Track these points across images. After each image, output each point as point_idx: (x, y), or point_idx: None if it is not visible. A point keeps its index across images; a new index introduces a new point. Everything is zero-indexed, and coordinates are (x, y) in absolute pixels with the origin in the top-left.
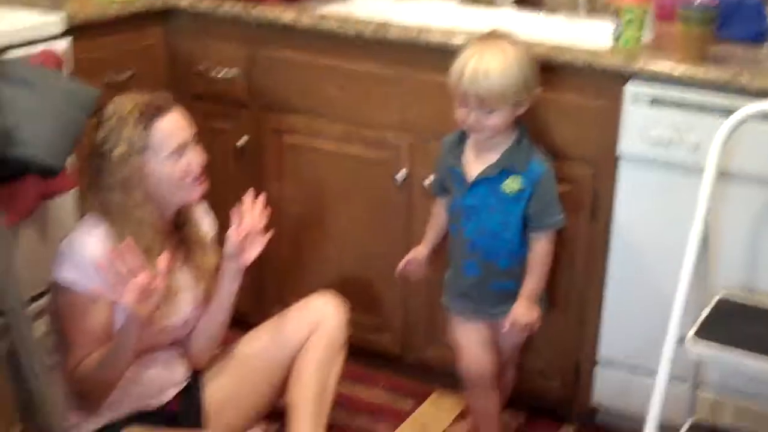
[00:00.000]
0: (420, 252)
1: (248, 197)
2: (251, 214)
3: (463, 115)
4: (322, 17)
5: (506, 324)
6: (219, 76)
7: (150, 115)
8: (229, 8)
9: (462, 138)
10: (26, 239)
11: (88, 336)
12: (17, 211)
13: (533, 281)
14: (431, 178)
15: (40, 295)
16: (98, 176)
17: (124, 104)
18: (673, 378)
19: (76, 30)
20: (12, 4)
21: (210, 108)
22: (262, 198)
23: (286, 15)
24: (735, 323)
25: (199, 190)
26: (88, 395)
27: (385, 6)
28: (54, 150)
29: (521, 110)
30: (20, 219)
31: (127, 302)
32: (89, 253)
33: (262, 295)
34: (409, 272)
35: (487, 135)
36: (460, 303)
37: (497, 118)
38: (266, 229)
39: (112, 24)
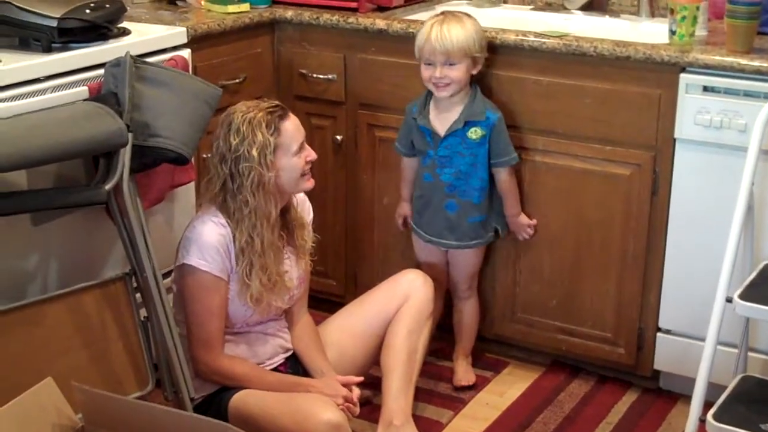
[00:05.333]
0: (405, 208)
1: None
2: None
3: (429, 72)
4: (411, 23)
5: (521, 232)
6: (319, 77)
7: (276, 118)
8: (327, 18)
9: (425, 103)
10: (154, 224)
11: (209, 312)
12: (150, 198)
13: (512, 204)
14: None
15: (165, 274)
16: (230, 181)
17: (249, 113)
18: (726, 344)
19: (195, 40)
20: (143, 21)
21: (311, 107)
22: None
23: (378, 22)
24: None
25: (311, 182)
26: (216, 381)
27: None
28: (186, 140)
29: (476, 69)
30: (151, 205)
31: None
32: (209, 238)
33: (355, 279)
34: (406, 227)
35: (452, 90)
36: (439, 234)
37: (459, 71)
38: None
39: (227, 35)
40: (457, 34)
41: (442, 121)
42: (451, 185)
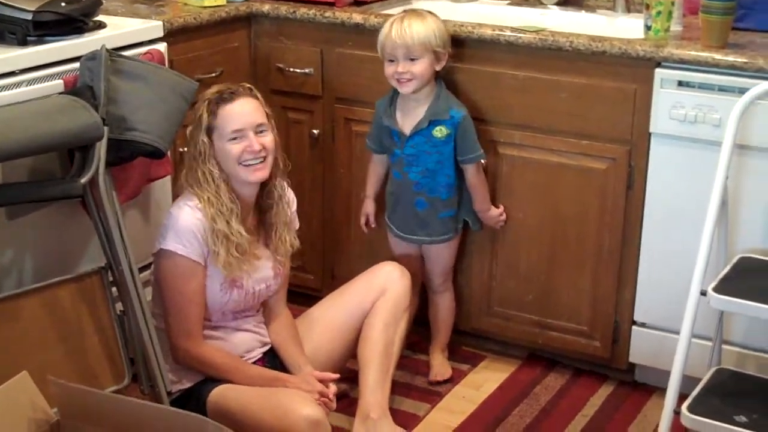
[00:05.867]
0: (368, 205)
1: None
2: None
3: (392, 68)
4: (388, 18)
5: (494, 224)
6: (296, 72)
7: (219, 100)
8: (304, 12)
9: (391, 102)
10: (130, 218)
11: (188, 298)
12: (126, 192)
13: (481, 200)
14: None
15: (142, 268)
16: (187, 148)
17: (210, 90)
18: (700, 337)
19: (171, 34)
20: (119, 14)
21: (288, 101)
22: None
23: (355, 17)
24: (752, 279)
25: (256, 174)
26: (196, 369)
27: (441, 7)
28: (162, 134)
29: (439, 65)
30: (127, 199)
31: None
32: (186, 222)
33: (332, 273)
34: (369, 226)
35: (414, 86)
36: (410, 230)
37: (421, 66)
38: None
39: (203, 28)
40: (417, 29)
41: (407, 120)
42: (419, 183)
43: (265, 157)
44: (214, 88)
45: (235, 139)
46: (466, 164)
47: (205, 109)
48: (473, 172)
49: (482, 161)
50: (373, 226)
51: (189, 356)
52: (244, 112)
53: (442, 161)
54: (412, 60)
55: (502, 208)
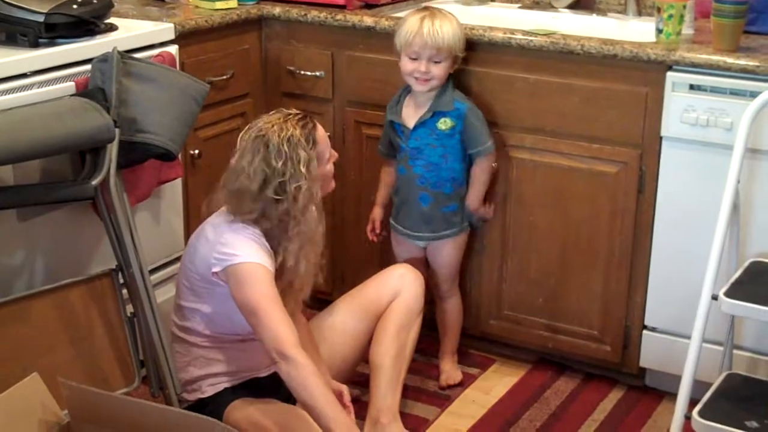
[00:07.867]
0: (376, 212)
1: None
2: None
3: (413, 66)
4: (399, 21)
5: (474, 208)
6: (307, 74)
7: (310, 130)
8: (315, 15)
9: (398, 100)
10: (140, 220)
11: (276, 298)
12: (137, 194)
13: (472, 193)
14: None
15: (152, 270)
16: (274, 205)
17: (284, 132)
18: (711, 342)
19: (183, 36)
20: (131, 17)
21: (298, 104)
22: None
23: (366, 20)
24: (763, 283)
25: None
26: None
27: (452, 10)
28: (173, 137)
29: (455, 66)
30: (138, 201)
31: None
32: (254, 239)
33: (342, 276)
34: (374, 233)
35: (431, 86)
36: (415, 227)
37: (442, 69)
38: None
39: (214, 31)
40: (447, 31)
41: (412, 114)
42: (423, 177)
43: None
44: (284, 129)
45: (328, 159)
46: (477, 157)
47: (303, 147)
48: (479, 165)
49: (494, 165)
50: (378, 232)
51: (295, 363)
52: (324, 133)
53: (446, 155)
54: (437, 62)
55: (488, 204)
